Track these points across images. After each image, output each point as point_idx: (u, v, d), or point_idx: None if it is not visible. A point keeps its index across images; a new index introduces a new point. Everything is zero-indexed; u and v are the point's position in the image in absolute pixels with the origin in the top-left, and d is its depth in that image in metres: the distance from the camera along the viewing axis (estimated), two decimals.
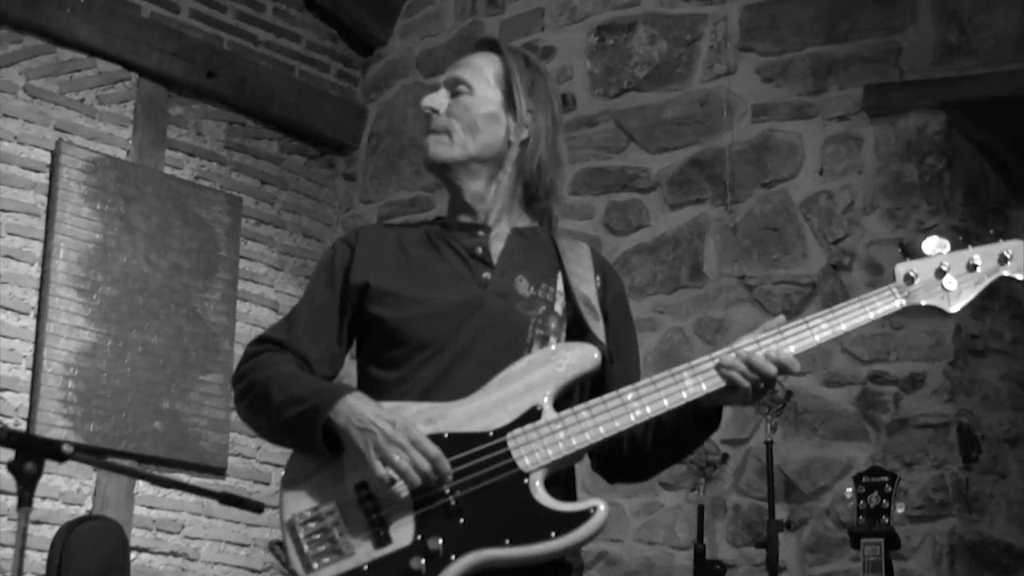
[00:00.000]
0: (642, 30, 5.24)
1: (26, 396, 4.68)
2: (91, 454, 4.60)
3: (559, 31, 5.44)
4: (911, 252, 2.26)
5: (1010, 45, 4.49)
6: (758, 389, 2.16)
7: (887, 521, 3.72)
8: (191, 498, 5.03)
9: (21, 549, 2.08)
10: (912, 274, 2.23)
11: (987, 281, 2.23)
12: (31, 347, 4.72)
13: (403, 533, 2.13)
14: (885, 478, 3.79)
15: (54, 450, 2.09)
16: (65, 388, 4.70)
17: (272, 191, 5.66)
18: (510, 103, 2.38)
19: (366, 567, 2.13)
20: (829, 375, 4.55)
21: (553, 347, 2.25)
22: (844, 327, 2.20)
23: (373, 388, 2.29)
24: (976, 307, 4.46)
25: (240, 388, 2.34)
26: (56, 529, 4.19)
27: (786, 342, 2.18)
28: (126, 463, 4.75)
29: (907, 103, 4.61)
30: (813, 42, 4.84)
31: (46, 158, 4.90)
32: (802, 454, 4.54)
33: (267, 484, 5.22)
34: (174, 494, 4.99)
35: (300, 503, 2.20)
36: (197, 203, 5.27)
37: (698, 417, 2.24)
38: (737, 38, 5.02)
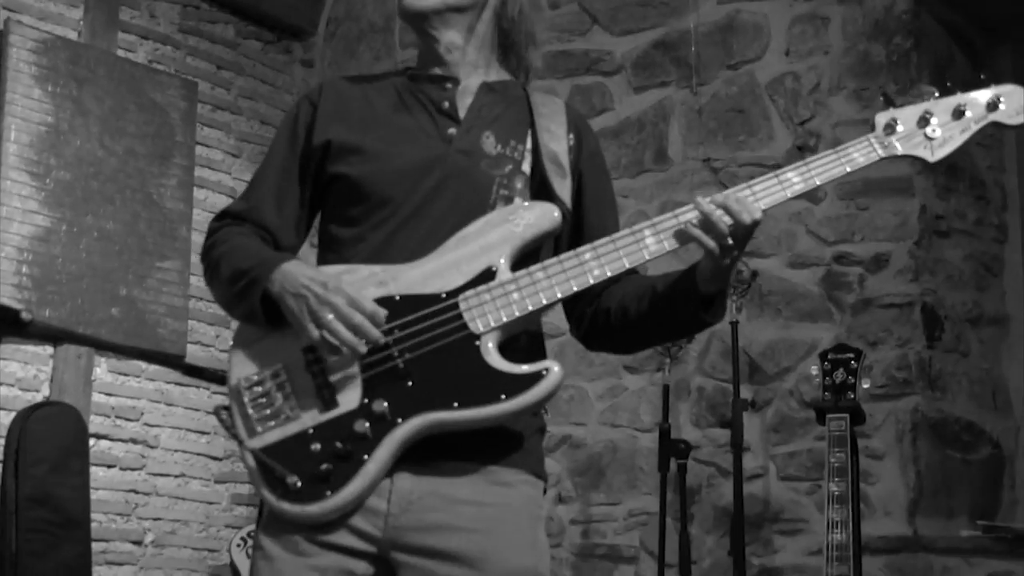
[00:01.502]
0: None
1: None
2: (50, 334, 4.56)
3: None
4: (894, 101, 2.12)
5: None
6: (726, 246, 2.04)
7: (852, 397, 3.72)
8: (150, 385, 4.97)
9: None
10: (893, 122, 2.09)
11: (974, 128, 2.09)
12: None
13: (350, 396, 2.07)
14: (851, 355, 3.78)
15: (12, 317, 2.03)
16: (19, 272, 4.60)
17: (228, 76, 5.53)
18: None
19: (311, 430, 2.07)
20: (794, 256, 4.52)
21: (512, 206, 2.16)
22: (818, 180, 2.08)
23: (332, 246, 2.22)
24: (941, 187, 4.44)
25: (204, 266, 2.29)
26: (13, 415, 4.14)
27: (755, 196, 2.08)
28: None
29: None
30: None
31: None
32: (767, 335, 4.52)
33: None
34: (133, 381, 4.92)
35: (247, 367, 2.14)
36: (152, 87, 5.13)
37: (703, 302, 2.12)
38: None
